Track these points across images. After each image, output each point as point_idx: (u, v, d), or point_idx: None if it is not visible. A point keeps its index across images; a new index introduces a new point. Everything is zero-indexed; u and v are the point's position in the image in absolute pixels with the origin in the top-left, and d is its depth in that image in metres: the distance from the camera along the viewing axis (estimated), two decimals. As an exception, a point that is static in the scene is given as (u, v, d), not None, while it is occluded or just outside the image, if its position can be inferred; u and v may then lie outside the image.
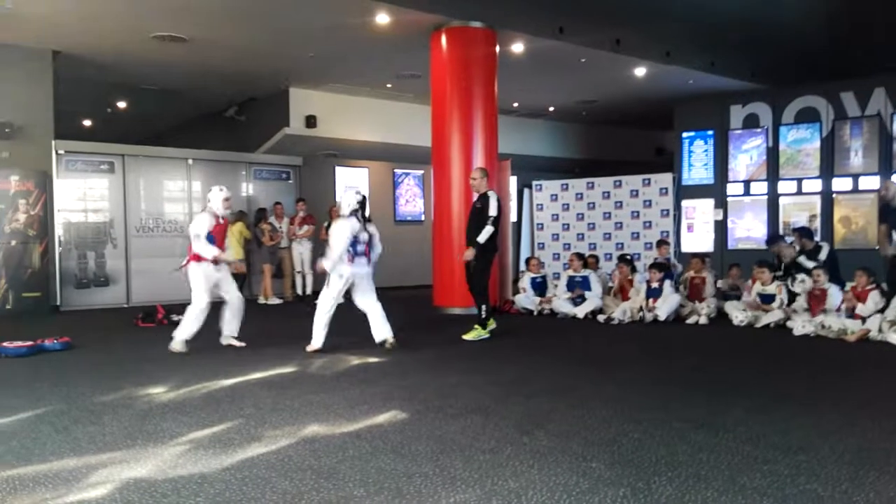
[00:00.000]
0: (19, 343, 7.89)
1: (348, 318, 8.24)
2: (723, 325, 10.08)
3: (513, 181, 14.01)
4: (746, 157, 14.89)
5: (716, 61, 14.35)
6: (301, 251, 13.90)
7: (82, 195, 13.48)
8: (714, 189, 15.22)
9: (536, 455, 4.10)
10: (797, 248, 10.77)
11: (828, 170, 13.93)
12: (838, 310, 9.01)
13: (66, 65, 13.02)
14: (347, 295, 8.09)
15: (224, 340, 8.18)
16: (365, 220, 7.99)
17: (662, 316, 10.39)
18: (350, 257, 7.81)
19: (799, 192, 14.28)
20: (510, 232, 12.66)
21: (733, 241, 14.95)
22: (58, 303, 12.84)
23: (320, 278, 8.35)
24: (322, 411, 5.17)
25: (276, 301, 13.74)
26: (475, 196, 9.15)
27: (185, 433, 4.64)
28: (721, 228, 15.08)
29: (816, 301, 9.37)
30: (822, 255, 10.42)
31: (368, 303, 8.06)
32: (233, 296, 8.17)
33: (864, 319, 8.68)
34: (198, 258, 7.81)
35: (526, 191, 15.77)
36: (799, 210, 14.21)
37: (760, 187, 14.71)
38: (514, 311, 11.67)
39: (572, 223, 14.92)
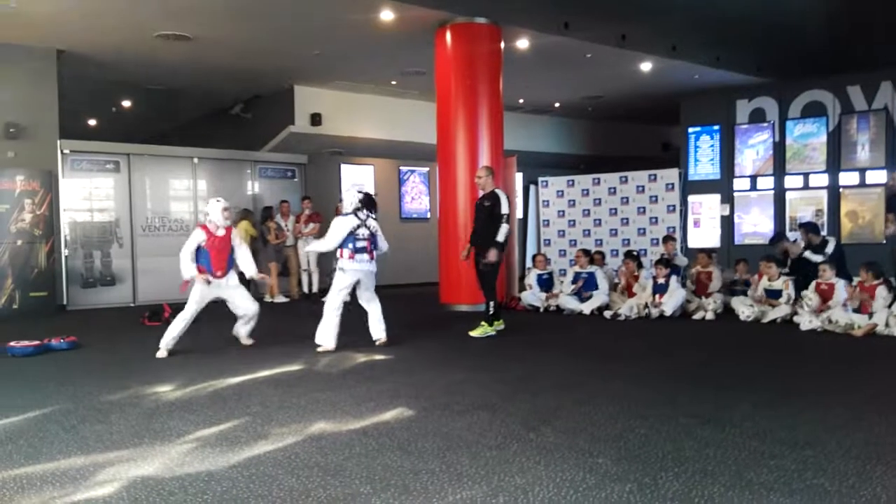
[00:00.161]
0: (26, 343, 7.90)
1: (354, 317, 8.23)
2: (729, 321, 10.07)
3: (518, 178, 14.01)
4: (753, 151, 14.84)
5: (721, 56, 14.30)
6: (307, 249, 13.89)
7: (88, 194, 13.50)
8: (720, 184, 15.18)
9: (543, 451, 4.10)
10: (803, 243, 10.75)
11: (834, 164, 13.88)
12: (845, 304, 8.98)
13: (71, 64, 13.04)
14: (353, 294, 8.09)
15: (244, 341, 8.16)
16: (366, 217, 7.99)
17: (668, 311, 10.38)
18: (351, 254, 7.82)
19: (806, 187, 14.23)
20: (516, 229, 12.65)
21: (740, 236, 14.92)
22: (64, 302, 12.86)
23: (327, 276, 8.36)
24: (329, 409, 5.17)
25: (282, 299, 13.75)
26: (480, 194, 9.14)
27: (191, 431, 4.64)
28: (728, 224, 15.04)
29: (823, 296, 9.35)
30: (829, 250, 10.39)
31: (368, 302, 8.10)
32: (246, 308, 8.08)
33: (871, 314, 8.67)
34: (199, 270, 7.72)
35: (532, 187, 15.77)
36: (805, 205, 14.17)
37: (767, 182, 14.67)
38: (521, 308, 11.66)
39: (578, 219, 14.92)
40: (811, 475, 3.65)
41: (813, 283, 9.53)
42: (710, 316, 10.35)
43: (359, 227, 7.89)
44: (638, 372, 6.55)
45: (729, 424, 4.58)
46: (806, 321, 9.04)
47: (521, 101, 17.25)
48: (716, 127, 15.31)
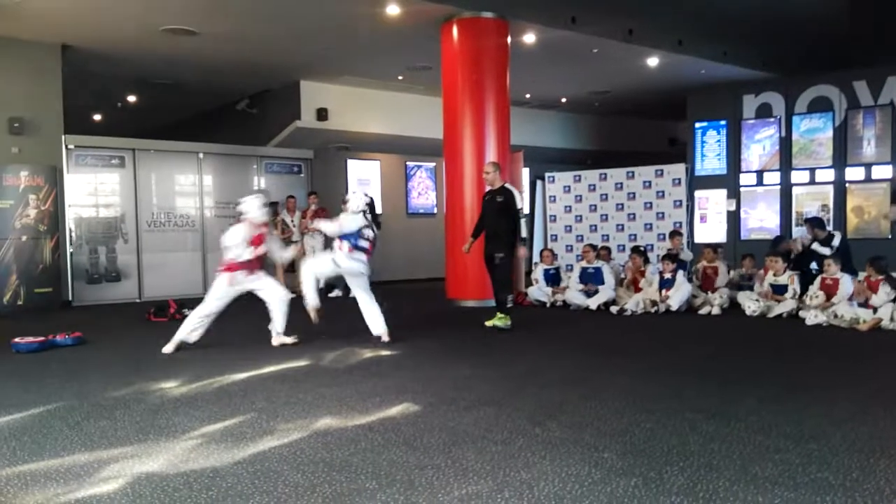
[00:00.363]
0: (31, 339, 7.91)
1: (359, 313, 8.22)
2: (735, 315, 10.05)
3: (525, 173, 13.99)
4: (759, 146, 14.80)
5: (728, 51, 14.25)
6: (314, 245, 13.83)
7: (93, 190, 13.46)
8: (727, 179, 15.14)
9: (549, 446, 4.09)
10: (809, 238, 10.73)
11: (841, 159, 13.84)
12: (850, 299, 8.96)
13: (75, 59, 13.01)
14: (348, 290, 8.12)
15: (274, 341, 7.97)
16: (370, 222, 8.00)
17: (675, 306, 10.37)
18: (350, 248, 7.83)
19: (812, 182, 14.19)
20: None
21: (746, 231, 14.87)
22: (69, 298, 12.86)
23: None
24: (334, 404, 5.17)
25: (289, 295, 13.70)
26: (487, 188, 9.14)
27: (197, 427, 4.64)
28: (734, 219, 15.00)
29: (829, 291, 9.33)
30: (835, 244, 10.38)
31: (360, 300, 8.12)
32: (272, 295, 8.02)
33: (875, 309, 8.65)
34: (230, 268, 7.66)
35: (539, 182, 15.75)
36: (812, 200, 14.13)
37: (773, 177, 14.62)
38: (527, 303, 11.66)
39: (585, 214, 14.91)
40: (815, 469, 3.65)
41: (818, 279, 9.52)
42: (715, 311, 10.32)
43: (367, 227, 7.92)
44: (644, 367, 6.55)
45: (734, 419, 4.58)
46: (811, 316, 9.02)
47: (528, 96, 17.22)
48: (722, 122, 15.26)
